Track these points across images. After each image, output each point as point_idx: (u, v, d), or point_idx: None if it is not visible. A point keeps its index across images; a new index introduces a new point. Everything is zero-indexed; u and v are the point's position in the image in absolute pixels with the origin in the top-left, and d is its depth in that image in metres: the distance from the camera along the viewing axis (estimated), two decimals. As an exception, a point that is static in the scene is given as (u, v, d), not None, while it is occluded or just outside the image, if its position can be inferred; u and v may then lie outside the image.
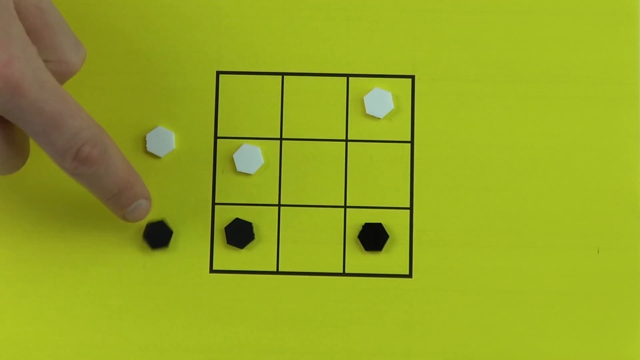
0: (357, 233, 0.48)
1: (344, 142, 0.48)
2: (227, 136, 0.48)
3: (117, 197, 0.44)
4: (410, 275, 0.48)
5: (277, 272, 0.48)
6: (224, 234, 0.48)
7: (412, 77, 0.49)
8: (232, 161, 0.48)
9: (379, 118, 0.48)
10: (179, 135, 0.48)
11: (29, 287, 0.48)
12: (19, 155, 0.42)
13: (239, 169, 0.48)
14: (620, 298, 0.47)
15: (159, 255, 0.48)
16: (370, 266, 0.48)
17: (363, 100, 0.48)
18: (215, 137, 0.48)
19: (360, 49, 0.49)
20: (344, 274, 0.48)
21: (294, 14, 0.49)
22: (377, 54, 0.49)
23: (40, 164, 0.48)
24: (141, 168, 0.48)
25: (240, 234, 0.48)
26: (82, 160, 0.41)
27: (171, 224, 0.48)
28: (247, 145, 0.48)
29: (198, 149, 0.48)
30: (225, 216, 0.48)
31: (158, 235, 0.47)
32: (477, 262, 0.47)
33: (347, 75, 0.49)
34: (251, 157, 0.48)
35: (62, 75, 0.43)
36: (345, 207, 0.48)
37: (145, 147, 0.48)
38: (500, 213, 0.48)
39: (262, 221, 0.48)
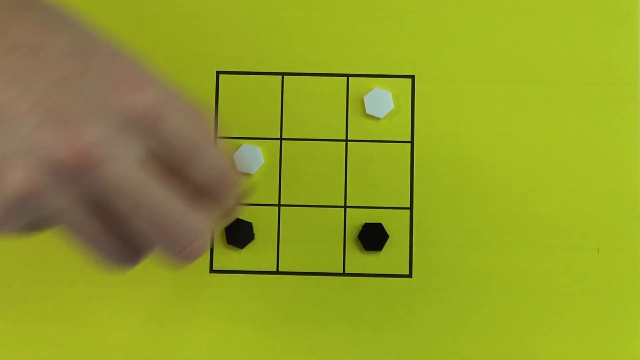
0: (357, 233, 0.48)
1: (344, 142, 0.48)
2: (227, 136, 0.48)
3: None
4: (410, 275, 0.48)
5: (277, 272, 0.48)
6: (224, 234, 0.48)
7: (412, 77, 0.49)
8: (232, 161, 0.48)
9: (379, 118, 0.48)
10: (179, 135, 0.48)
11: (32, 287, 0.48)
12: None
13: (239, 169, 0.48)
14: (620, 298, 0.47)
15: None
16: (370, 266, 0.48)
17: (363, 100, 0.48)
18: (215, 137, 0.48)
19: (360, 49, 0.49)
20: (344, 274, 0.48)
21: (293, 14, 0.49)
22: (377, 54, 0.49)
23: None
24: (141, 168, 0.48)
25: (240, 234, 0.48)
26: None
27: (171, 224, 0.48)
28: (247, 145, 0.48)
29: (198, 149, 0.48)
30: (225, 216, 0.48)
31: None
32: (477, 262, 0.47)
33: (347, 75, 0.49)
34: (251, 157, 0.48)
35: None
36: (345, 207, 0.48)
37: (145, 147, 0.48)
38: (500, 213, 0.48)
39: (262, 221, 0.48)
